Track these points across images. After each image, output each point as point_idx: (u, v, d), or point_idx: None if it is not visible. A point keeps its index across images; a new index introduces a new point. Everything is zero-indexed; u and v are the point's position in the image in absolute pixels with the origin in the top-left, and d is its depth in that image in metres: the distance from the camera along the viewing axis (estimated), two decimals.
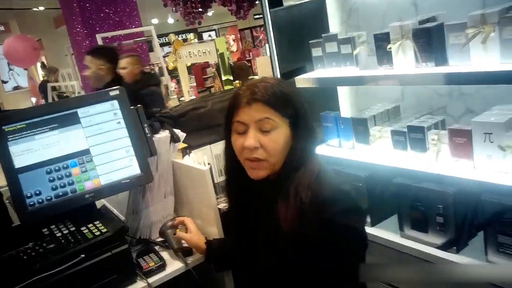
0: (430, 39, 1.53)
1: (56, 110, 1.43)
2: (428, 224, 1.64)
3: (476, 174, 1.44)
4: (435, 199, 1.59)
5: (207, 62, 6.89)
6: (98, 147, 1.49)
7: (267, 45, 2.59)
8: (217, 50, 4.87)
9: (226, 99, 2.24)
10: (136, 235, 1.63)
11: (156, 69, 5.90)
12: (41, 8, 10.15)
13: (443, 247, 1.60)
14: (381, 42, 1.71)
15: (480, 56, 1.41)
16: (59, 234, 1.34)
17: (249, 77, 6.05)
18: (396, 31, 1.64)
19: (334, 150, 1.99)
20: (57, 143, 1.40)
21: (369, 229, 1.83)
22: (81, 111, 1.47)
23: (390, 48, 1.66)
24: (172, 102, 5.36)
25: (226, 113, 1.12)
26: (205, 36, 12.42)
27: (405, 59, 1.63)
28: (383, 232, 1.81)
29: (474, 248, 1.56)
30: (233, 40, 10.50)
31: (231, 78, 5.17)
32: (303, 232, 0.99)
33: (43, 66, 10.44)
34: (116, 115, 1.53)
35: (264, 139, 1.05)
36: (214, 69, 6.44)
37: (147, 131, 1.63)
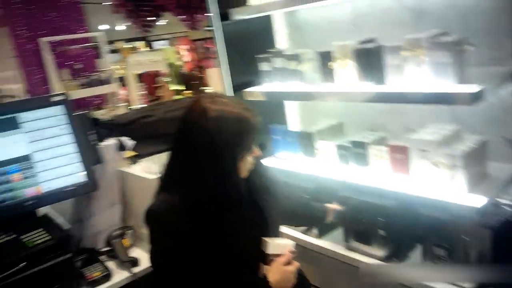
0: (369, 59, 1.61)
1: None
2: (371, 237, 1.69)
3: (413, 189, 1.52)
4: (376, 212, 1.65)
5: (159, 71, 6.78)
6: (41, 153, 1.44)
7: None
8: (166, 60, 4.82)
9: (175, 109, 2.25)
10: (81, 244, 1.58)
11: (104, 76, 5.74)
12: None
13: (386, 259, 1.66)
14: (324, 59, 1.77)
15: (414, 77, 1.50)
16: None
17: (200, 88, 6.02)
18: (338, 50, 1.71)
19: (282, 162, 2.04)
20: None
21: (316, 241, 1.87)
22: (22, 116, 1.42)
23: (332, 66, 1.73)
24: (121, 110, 5.22)
25: (244, 140, 1.19)
26: (156, 45, 12.30)
27: (347, 77, 1.71)
28: (329, 243, 1.84)
29: (414, 260, 1.64)
30: (187, 50, 10.38)
31: (181, 88, 5.13)
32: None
33: None
34: (60, 121, 1.49)
35: None
36: (163, 79, 6.35)
37: (92, 138, 1.60)
